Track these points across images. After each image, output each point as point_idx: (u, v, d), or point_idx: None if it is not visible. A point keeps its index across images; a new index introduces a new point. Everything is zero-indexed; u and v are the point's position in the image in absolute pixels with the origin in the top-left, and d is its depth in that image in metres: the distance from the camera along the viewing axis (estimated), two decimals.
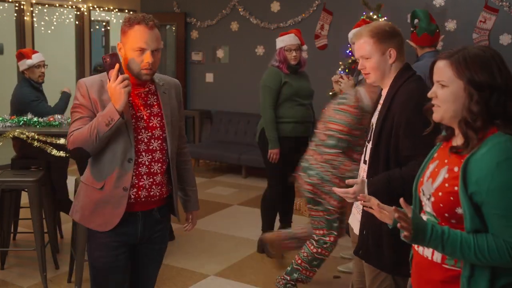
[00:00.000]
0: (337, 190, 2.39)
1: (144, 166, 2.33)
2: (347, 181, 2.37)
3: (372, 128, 2.42)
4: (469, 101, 1.62)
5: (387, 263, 2.34)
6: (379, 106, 2.43)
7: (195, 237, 4.97)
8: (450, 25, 6.47)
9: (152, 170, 2.34)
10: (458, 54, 1.66)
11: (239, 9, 7.90)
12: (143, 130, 2.31)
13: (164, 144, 2.36)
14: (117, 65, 2.20)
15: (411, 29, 4.12)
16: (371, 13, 5.86)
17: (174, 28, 8.51)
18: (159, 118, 2.35)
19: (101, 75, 2.34)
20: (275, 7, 7.65)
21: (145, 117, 2.32)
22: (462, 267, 1.66)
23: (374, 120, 2.44)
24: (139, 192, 2.34)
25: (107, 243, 2.36)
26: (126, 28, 2.24)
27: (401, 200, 1.70)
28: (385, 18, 5.90)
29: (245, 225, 5.14)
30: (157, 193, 2.38)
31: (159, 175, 2.37)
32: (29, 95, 4.47)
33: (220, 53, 8.21)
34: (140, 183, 2.33)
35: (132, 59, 2.26)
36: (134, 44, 2.23)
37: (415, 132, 2.14)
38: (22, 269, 4.17)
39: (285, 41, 4.39)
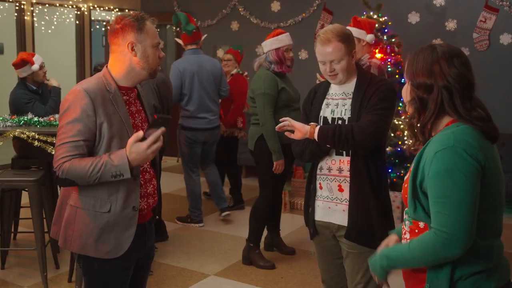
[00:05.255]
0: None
1: (147, 173, 2.26)
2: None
3: (332, 122, 2.60)
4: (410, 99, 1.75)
5: (380, 241, 2.46)
6: (338, 101, 2.61)
7: (195, 237, 4.97)
8: (451, 24, 6.47)
9: (151, 176, 2.29)
10: (412, 54, 1.77)
11: (240, 9, 7.90)
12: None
13: None
14: (162, 129, 2.07)
15: (177, 30, 4.76)
16: (371, 13, 5.86)
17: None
18: (146, 124, 2.28)
19: (98, 82, 2.14)
20: (276, 6, 7.65)
21: (139, 125, 2.25)
22: None
23: (334, 114, 2.61)
24: (148, 201, 2.26)
25: (123, 264, 2.20)
26: (140, 25, 2.13)
27: None
28: (385, 18, 5.90)
29: (245, 225, 5.13)
30: (155, 198, 2.32)
31: (154, 178, 2.31)
32: (21, 98, 4.44)
33: (220, 53, 8.21)
34: (148, 191, 2.26)
35: (152, 56, 2.17)
36: (154, 40, 2.16)
37: (383, 109, 2.51)
38: (23, 268, 4.17)
39: (283, 41, 4.14)
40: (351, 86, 2.62)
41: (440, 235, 1.61)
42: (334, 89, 2.68)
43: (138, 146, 2.03)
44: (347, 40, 2.55)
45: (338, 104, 2.64)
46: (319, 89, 2.76)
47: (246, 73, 5.77)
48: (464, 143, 1.62)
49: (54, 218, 2.29)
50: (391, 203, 2.69)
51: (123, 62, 2.16)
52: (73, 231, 2.15)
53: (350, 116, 2.56)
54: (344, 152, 2.57)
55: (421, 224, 1.73)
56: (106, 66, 2.22)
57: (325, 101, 2.68)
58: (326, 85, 2.73)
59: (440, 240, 1.61)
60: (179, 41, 4.84)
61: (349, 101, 2.59)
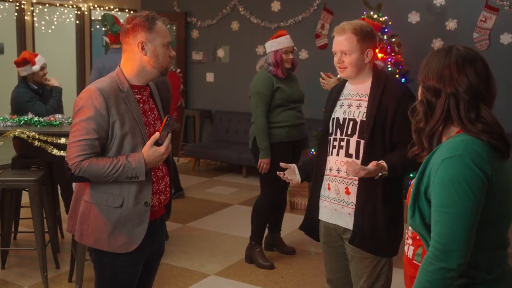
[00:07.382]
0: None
1: (159, 170, 2.30)
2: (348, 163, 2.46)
3: (343, 122, 2.57)
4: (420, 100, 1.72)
5: (385, 247, 2.52)
6: (351, 101, 2.59)
7: (195, 237, 4.97)
8: (451, 24, 6.46)
9: (164, 173, 2.33)
10: (429, 55, 1.71)
11: (240, 9, 7.90)
12: None
13: None
14: (169, 135, 2.20)
15: (104, 29, 5.27)
16: (371, 13, 5.86)
17: (174, 28, 8.51)
18: (159, 121, 2.33)
19: (111, 81, 2.19)
20: (276, 6, 7.65)
21: (152, 122, 2.30)
22: None
23: (345, 115, 2.58)
24: (160, 197, 2.30)
25: (133, 259, 2.26)
26: (151, 25, 2.18)
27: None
28: (385, 17, 5.90)
29: (245, 224, 5.14)
30: (167, 195, 2.37)
31: (166, 176, 2.36)
32: (23, 96, 4.44)
33: (220, 53, 8.21)
34: (160, 188, 2.30)
35: (163, 55, 2.21)
36: (165, 39, 2.21)
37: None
38: (23, 268, 4.17)
39: (282, 43, 4.19)
40: (366, 87, 2.58)
41: (435, 245, 1.55)
42: (348, 89, 2.65)
43: (156, 150, 2.15)
44: (362, 35, 2.51)
45: (350, 104, 2.59)
46: (333, 91, 2.74)
47: (179, 70, 6.62)
48: (473, 153, 1.56)
49: (69, 212, 2.37)
50: (402, 209, 2.62)
51: (134, 61, 2.21)
52: (88, 226, 2.22)
53: (363, 119, 2.51)
54: (354, 154, 2.52)
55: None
56: (119, 66, 2.26)
57: (338, 102, 2.65)
58: (340, 86, 2.71)
59: (434, 251, 1.55)
60: (106, 39, 5.26)
61: (363, 103, 2.55)
